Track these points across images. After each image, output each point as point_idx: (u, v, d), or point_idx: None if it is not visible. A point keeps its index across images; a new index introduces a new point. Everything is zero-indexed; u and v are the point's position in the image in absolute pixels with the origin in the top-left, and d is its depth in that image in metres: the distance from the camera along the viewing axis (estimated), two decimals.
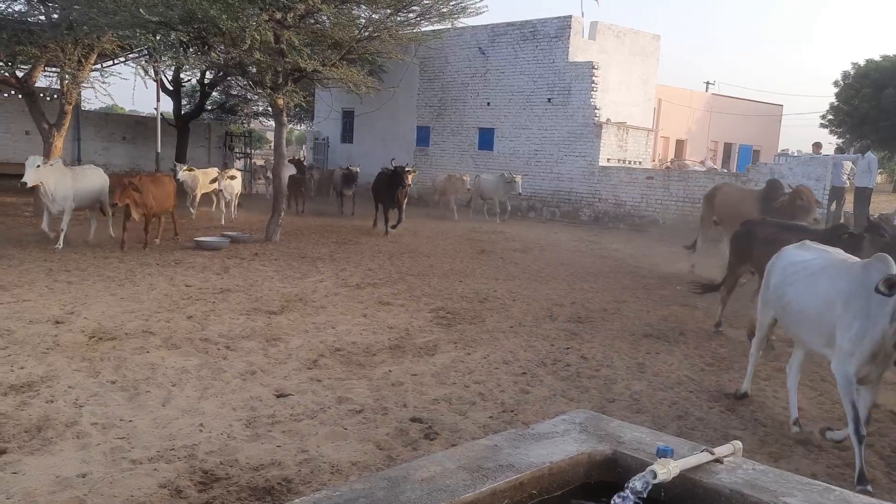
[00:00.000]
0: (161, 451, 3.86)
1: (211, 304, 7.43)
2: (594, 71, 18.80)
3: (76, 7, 11.52)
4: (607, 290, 9.55)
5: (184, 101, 24.34)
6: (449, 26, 13.87)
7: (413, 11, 11.81)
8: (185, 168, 15.61)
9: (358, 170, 18.64)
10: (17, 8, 14.31)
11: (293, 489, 3.52)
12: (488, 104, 21.06)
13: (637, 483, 2.18)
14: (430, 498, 1.97)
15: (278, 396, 4.80)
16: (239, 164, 27.13)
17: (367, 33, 11.86)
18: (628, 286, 9.89)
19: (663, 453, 2.23)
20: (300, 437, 4.15)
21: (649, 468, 2.16)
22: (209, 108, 25.25)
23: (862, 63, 31.67)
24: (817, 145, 18.96)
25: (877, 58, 31.21)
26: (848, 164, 17.96)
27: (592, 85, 18.83)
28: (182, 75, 22.46)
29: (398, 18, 11.81)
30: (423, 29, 13.14)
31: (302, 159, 21.08)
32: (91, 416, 4.30)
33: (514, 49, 20.31)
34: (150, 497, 3.37)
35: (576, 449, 2.40)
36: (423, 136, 23.01)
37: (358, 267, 10.23)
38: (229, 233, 12.32)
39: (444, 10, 11.68)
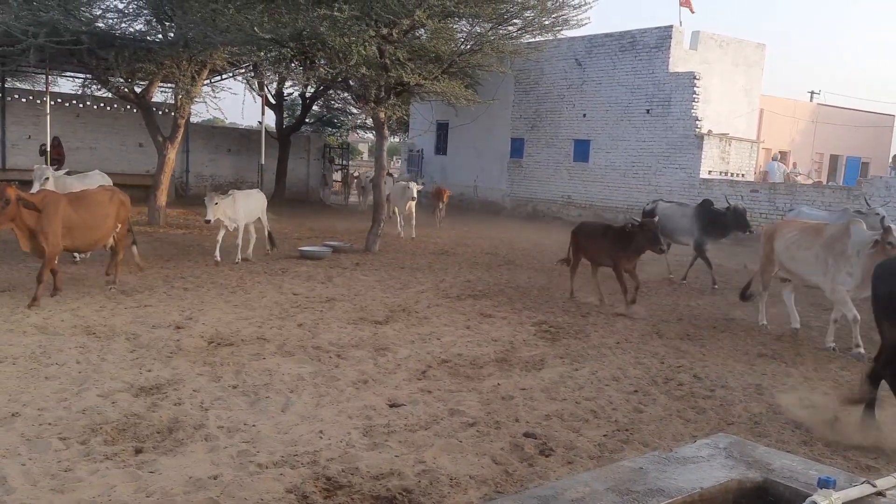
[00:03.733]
0: (285, 456, 3.98)
1: (319, 313, 7.63)
2: (696, 81, 18.29)
3: (192, 26, 12.16)
4: (715, 306, 9.23)
5: (285, 115, 25.25)
6: (550, 38, 13.84)
7: (514, 25, 11.84)
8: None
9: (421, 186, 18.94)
10: (137, 27, 15.27)
11: (414, 500, 3.55)
12: (584, 116, 20.83)
13: None
14: None
15: (392, 406, 4.87)
16: (337, 175, 27.90)
17: (468, 47, 11.97)
18: (735, 302, 9.49)
19: (825, 483, 2.11)
20: (416, 447, 4.18)
21: (810, 499, 2.06)
22: (309, 120, 26.06)
23: None
24: None
25: None
26: None
27: (694, 95, 18.31)
28: (284, 89, 23.32)
29: (499, 32, 11.85)
30: (523, 41, 13.13)
31: (392, 172, 21.49)
32: (217, 420, 4.48)
33: (612, 60, 20.02)
34: (278, 501, 3.48)
35: (725, 475, 2.32)
36: (517, 148, 22.99)
37: (457, 278, 10.28)
38: (331, 242, 12.65)
39: (547, 22, 11.65)
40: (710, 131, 18.57)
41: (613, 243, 8.72)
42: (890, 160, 20.17)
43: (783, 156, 28.01)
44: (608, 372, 6.04)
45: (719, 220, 10.98)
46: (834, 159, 34.43)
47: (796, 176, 19.82)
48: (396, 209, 15.01)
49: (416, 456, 4.06)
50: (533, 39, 13.39)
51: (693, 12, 21.32)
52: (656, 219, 9.94)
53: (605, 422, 4.86)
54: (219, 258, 10.37)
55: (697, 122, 18.33)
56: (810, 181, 21.31)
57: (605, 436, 4.59)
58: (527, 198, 22.76)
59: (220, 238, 10.56)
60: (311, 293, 8.68)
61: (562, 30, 12.06)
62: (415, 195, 14.22)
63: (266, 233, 11.48)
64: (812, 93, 38.73)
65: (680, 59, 19.10)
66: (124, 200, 8.49)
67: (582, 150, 21.02)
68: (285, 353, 6.06)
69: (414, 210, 14.56)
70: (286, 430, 4.36)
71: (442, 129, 25.29)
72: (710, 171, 18.40)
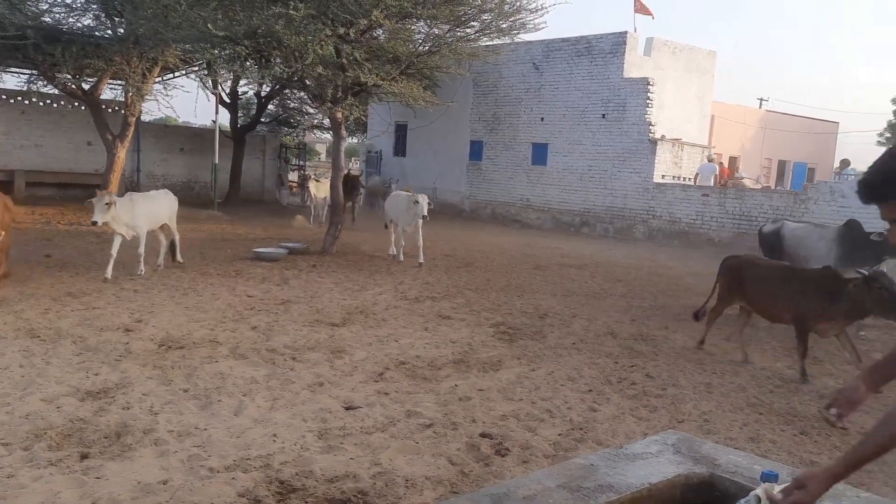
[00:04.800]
0: (237, 460, 3.91)
1: (274, 315, 7.54)
2: (649, 87, 18.62)
3: (142, 22, 11.90)
4: (667, 307, 9.39)
5: (240, 114, 24.91)
6: (507, 41, 13.92)
7: (472, 27, 11.88)
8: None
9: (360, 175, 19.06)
10: (85, 22, 14.87)
11: (369, 502, 3.53)
12: (542, 119, 21.02)
13: None
14: None
15: (347, 409, 4.83)
16: (293, 175, 27.62)
17: (426, 48, 11.97)
18: (687, 304, 9.68)
19: (767, 478, 2.16)
20: (372, 449, 4.16)
21: (753, 493, 2.11)
22: (264, 120, 25.78)
23: None
24: (844, 162, 18.57)
25: None
26: None
27: (648, 101, 18.64)
28: (239, 88, 22.99)
29: (457, 34, 11.88)
30: (481, 44, 13.18)
31: (359, 173, 21.32)
32: (167, 424, 4.39)
33: (569, 65, 20.26)
34: None
35: (672, 470, 2.36)
36: (476, 151, 23.08)
37: (415, 280, 10.26)
38: (287, 244, 12.51)
39: (504, 25, 11.72)
40: (663, 136, 18.93)
41: (808, 294, 6.29)
42: (835, 166, 20.77)
43: (732, 161, 28.74)
44: (564, 372, 6.10)
45: (870, 247, 8.12)
46: (782, 165, 35.43)
47: (741, 180, 20.29)
48: (395, 226, 12.18)
49: (371, 458, 4.04)
50: (491, 42, 13.48)
51: (653, 17, 21.70)
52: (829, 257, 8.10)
53: (560, 421, 4.90)
54: (109, 275, 8.78)
55: (651, 127, 18.66)
56: (759, 186, 21.86)
57: (560, 435, 4.64)
58: (486, 200, 22.86)
59: (114, 251, 8.97)
60: (265, 295, 8.57)
61: (519, 33, 12.16)
62: (425, 212, 11.19)
63: (170, 242, 10.14)
64: (761, 100, 39.88)
65: (634, 65, 19.43)
66: (8, 205, 8.06)
67: (540, 153, 21.21)
68: (238, 355, 5.97)
69: (421, 229, 11.66)
70: (239, 434, 4.29)
71: (401, 131, 25.25)
72: (663, 176, 18.75)
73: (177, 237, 10.26)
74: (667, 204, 18.28)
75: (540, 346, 6.96)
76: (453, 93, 20.07)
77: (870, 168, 1.92)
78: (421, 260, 11.52)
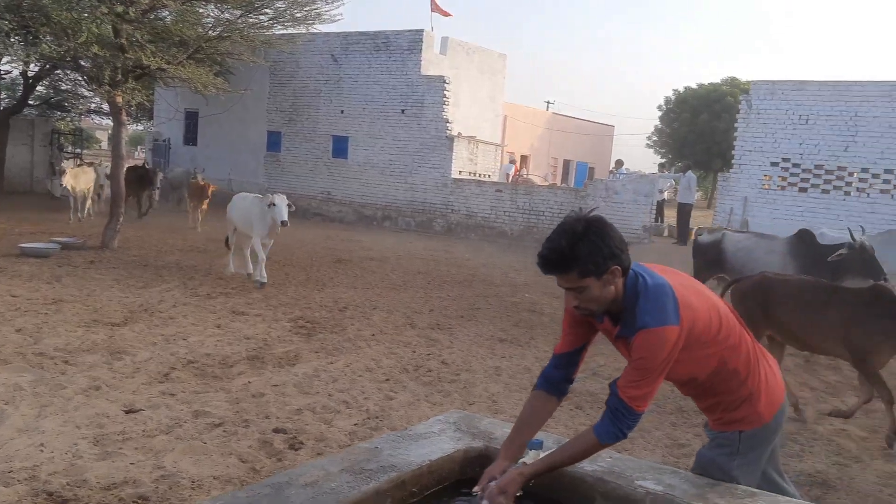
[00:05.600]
0: None
1: (43, 316, 6.83)
2: (446, 85, 19.26)
3: None
4: (463, 297, 9.81)
5: (4, 95, 22.16)
6: (302, 31, 13.69)
7: (265, 14, 11.54)
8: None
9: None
10: None
11: None
12: (342, 112, 20.95)
13: None
14: (316, 501, 1.96)
15: (128, 412, 4.51)
16: (68, 164, 25.07)
17: (215, 33, 11.43)
18: (482, 294, 10.22)
19: (533, 445, 2.36)
20: (155, 453, 3.93)
21: (521, 460, 2.29)
22: (33, 102, 23.16)
23: (682, 90, 34.79)
24: (619, 163, 20.80)
25: (694, 86, 34.42)
26: (668, 182, 19.75)
27: (444, 98, 19.28)
28: (1, 66, 20.46)
29: (249, 20, 11.48)
30: (276, 32, 12.85)
31: (147, 164, 19.79)
32: None
33: (368, 58, 20.37)
34: None
35: (452, 447, 2.49)
36: (274, 142, 22.45)
37: (208, 276, 9.80)
38: (59, 238, 11.36)
39: (299, 14, 11.52)
40: (459, 134, 19.70)
41: (862, 319, 4.99)
42: (611, 166, 22.92)
43: (524, 160, 30.66)
44: (363, 363, 6.16)
45: (834, 264, 7.26)
46: (566, 164, 38.41)
47: (526, 177, 21.72)
48: (239, 235, 9.85)
49: (154, 462, 3.81)
50: (286, 31, 13.18)
51: (450, 15, 22.39)
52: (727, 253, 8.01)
53: (356, 411, 4.95)
54: None
55: (448, 124, 19.33)
56: (546, 183, 23.51)
57: (356, 425, 4.69)
58: (285, 193, 22.30)
59: None
60: (33, 294, 7.73)
61: (314, 23, 12.02)
62: (285, 216, 9.10)
63: None
64: (548, 102, 42.83)
65: (432, 63, 20.00)
66: None
67: (340, 146, 21.14)
68: (0, 361, 5.34)
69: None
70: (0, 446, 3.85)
71: (191, 119, 23.88)
72: (460, 172, 19.51)
73: None
74: (464, 199, 19.05)
75: (339, 338, 6.97)
76: (248, 81, 19.38)
77: (545, 244, 2.18)
78: (264, 278, 9.22)
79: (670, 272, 2.36)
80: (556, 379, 2.44)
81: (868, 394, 5.23)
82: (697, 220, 19.99)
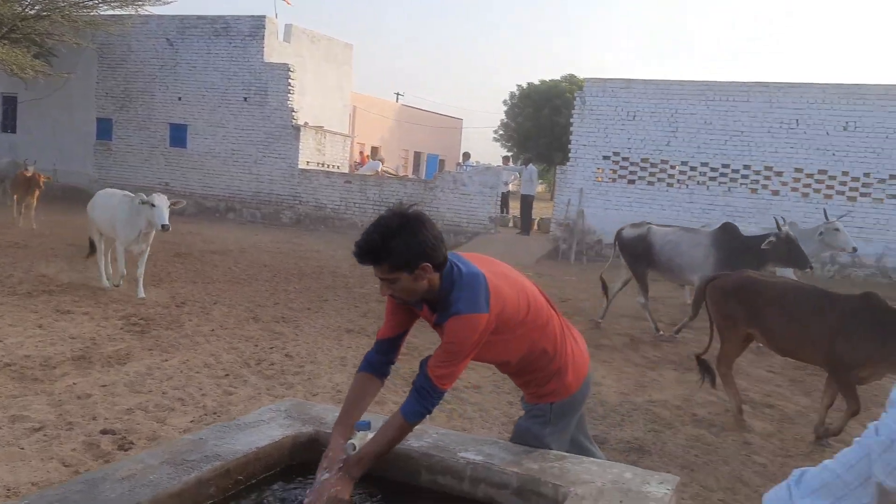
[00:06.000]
0: None
1: None
2: (290, 73, 18.89)
3: None
4: (311, 290, 9.73)
5: None
6: (131, 13, 12.90)
7: None
8: None
9: None
10: None
11: None
12: (179, 99, 19.95)
13: None
14: (133, 494, 1.94)
15: None
16: None
17: (33, 11, 10.53)
18: (330, 286, 10.19)
19: (360, 427, 2.45)
20: None
21: (349, 441, 2.37)
22: None
23: (525, 85, 36.22)
24: (466, 155, 21.59)
25: (536, 82, 35.95)
26: (512, 174, 20.61)
27: (289, 87, 18.90)
28: None
29: None
30: (103, 13, 12.01)
31: None
32: None
33: (207, 44, 19.53)
34: None
35: (280, 433, 2.52)
36: (104, 130, 20.96)
37: (28, 273, 9.06)
38: None
39: None
40: (306, 123, 19.40)
41: (850, 331, 4.69)
42: (460, 158, 23.50)
43: (374, 151, 30.73)
44: (200, 359, 5.97)
45: (751, 254, 7.64)
46: (417, 156, 38.92)
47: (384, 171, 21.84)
48: (106, 240, 8.76)
49: None
50: (115, 13, 12.36)
51: (289, 4, 21.94)
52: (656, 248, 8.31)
53: (192, 408, 4.81)
54: None
55: (294, 113, 18.98)
56: (399, 175, 23.71)
57: (192, 422, 4.56)
58: (119, 184, 20.79)
59: None
60: None
61: (144, 5, 11.37)
62: (166, 220, 8.08)
63: None
64: (398, 94, 43.10)
65: (275, 51, 19.53)
66: None
67: (179, 134, 20.13)
68: None
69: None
70: None
71: (9, 104, 21.76)
72: (307, 162, 19.24)
73: None
74: (312, 190, 18.81)
75: (175, 335, 6.70)
76: (74, 64, 17.99)
77: (362, 235, 2.31)
78: (141, 294, 8.20)
79: (486, 261, 2.52)
80: (379, 362, 2.55)
81: (831, 398, 5.01)
82: (540, 211, 20.98)
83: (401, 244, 2.23)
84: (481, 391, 5.69)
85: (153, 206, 7.98)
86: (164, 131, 20.31)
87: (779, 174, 14.59)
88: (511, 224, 19.39)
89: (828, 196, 14.30)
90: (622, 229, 8.97)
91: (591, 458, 2.60)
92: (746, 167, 14.85)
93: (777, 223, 7.69)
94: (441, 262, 2.31)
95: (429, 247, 2.26)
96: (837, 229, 9.04)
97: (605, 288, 8.83)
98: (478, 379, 5.88)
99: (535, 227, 18.75)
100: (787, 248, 7.49)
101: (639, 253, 8.60)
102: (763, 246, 7.50)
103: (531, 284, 2.63)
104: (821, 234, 9.13)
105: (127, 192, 8.74)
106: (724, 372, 5.42)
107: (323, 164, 19.89)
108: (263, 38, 19.04)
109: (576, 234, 15.56)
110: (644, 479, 2.31)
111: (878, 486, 1.39)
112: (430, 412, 2.37)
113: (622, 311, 9.38)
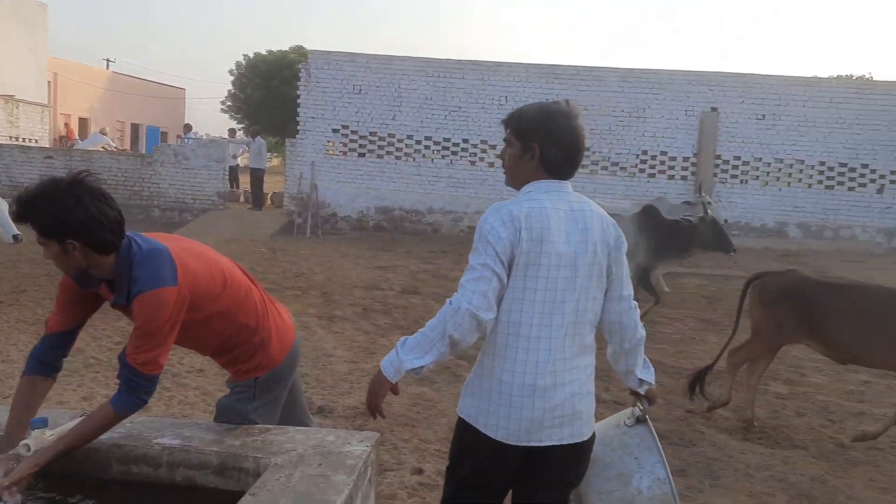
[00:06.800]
0: None
1: None
2: None
3: None
4: (4, 280, 8.55)
5: None
6: None
7: None
8: None
9: None
10: None
11: None
12: None
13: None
14: None
15: None
16: None
17: None
18: (29, 274, 9.05)
19: (35, 424, 2.23)
20: None
21: (23, 442, 2.15)
22: None
23: (251, 55, 34.92)
24: (187, 127, 20.66)
25: (263, 52, 34.83)
26: (240, 148, 19.94)
27: None
28: None
29: None
30: None
31: None
32: None
33: None
34: None
35: None
36: None
37: None
38: None
39: None
40: None
41: None
42: (182, 130, 22.11)
43: (83, 122, 27.67)
44: None
45: (680, 236, 7.36)
46: (135, 128, 35.74)
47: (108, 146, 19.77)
48: None
49: None
50: None
51: None
52: None
53: None
54: None
55: None
56: (112, 149, 21.60)
57: None
58: None
59: None
60: None
61: None
62: (16, 230, 6.59)
63: None
64: (108, 60, 39.13)
65: None
66: None
67: None
68: None
69: None
70: None
71: None
72: None
73: None
74: (5, 167, 16.43)
75: None
76: None
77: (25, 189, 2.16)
78: None
79: (172, 238, 2.41)
80: (52, 358, 2.35)
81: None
82: (274, 185, 20.55)
83: (46, 211, 2.06)
84: (205, 374, 5.48)
85: None
86: None
87: (493, 147, 15.83)
88: (242, 199, 18.77)
89: None
90: None
91: (298, 427, 2.62)
92: (465, 141, 15.88)
93: (703, 206, 7.41)
94: (99, 243, 2.13)
95: (78, 223, 2.07)
96: (710, 202, 8.42)
97: None
98: (202, 362, 5.63)
99: (269, 201, 18.35)
100: (712, 232, 7.24)
101: None
102: (680, 217, 7.37)
103: (227, 260, 2.57)
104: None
105: None
106: (733, 362, 4.95)
107: (17, 138, 17.44)
108: None
109: (310, 207, 15.49)
110: (346, 440, 2.39)
111: (450, 339, 2.02)
112: (145, 402, 2.22)
113: (355, 282, 9.59)
